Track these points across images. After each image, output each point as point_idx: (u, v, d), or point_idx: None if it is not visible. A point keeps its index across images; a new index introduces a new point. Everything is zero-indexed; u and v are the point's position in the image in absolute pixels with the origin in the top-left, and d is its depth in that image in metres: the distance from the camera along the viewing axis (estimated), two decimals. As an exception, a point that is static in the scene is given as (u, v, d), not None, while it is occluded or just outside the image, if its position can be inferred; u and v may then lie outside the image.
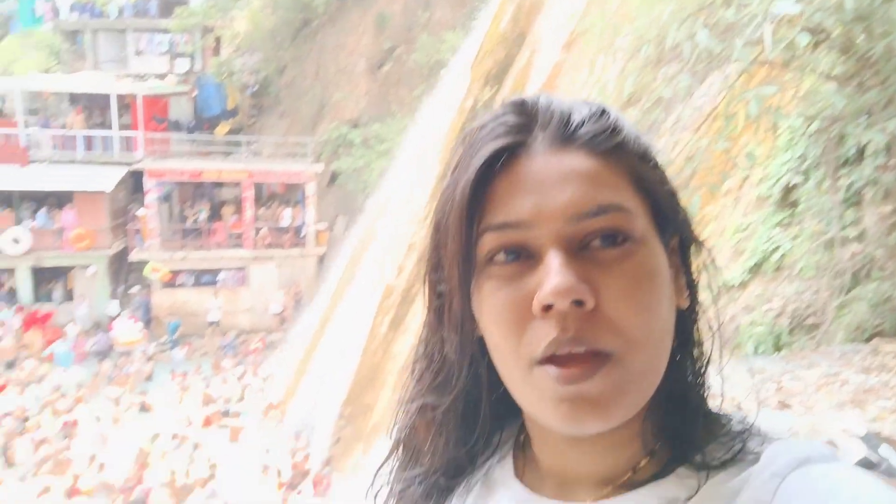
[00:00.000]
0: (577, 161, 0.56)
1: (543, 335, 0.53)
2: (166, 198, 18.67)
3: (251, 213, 18.38)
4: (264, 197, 19.32)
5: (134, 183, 18.89)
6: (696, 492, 0.55)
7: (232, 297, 18.01)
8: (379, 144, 19.43)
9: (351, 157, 19.26)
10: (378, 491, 0.70)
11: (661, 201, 0.59)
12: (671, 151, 5.55)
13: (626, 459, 0.58)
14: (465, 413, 0.65)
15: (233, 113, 21.84)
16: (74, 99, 20.21)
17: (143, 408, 13.08)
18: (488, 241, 0.56)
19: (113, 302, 17.66)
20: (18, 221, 17.43)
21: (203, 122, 21.40)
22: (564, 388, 0.52)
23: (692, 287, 0.62)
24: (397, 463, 0.70)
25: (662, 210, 0.59)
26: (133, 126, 19.12)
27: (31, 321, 16.43)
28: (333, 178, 19.81)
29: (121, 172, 18.15)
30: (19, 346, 16.09)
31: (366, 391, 11.13)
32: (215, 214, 18.90)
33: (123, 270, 18.66)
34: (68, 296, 17.67)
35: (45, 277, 17.77)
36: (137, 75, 21.55)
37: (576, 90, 7.73)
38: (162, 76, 21.77)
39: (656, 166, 0.60)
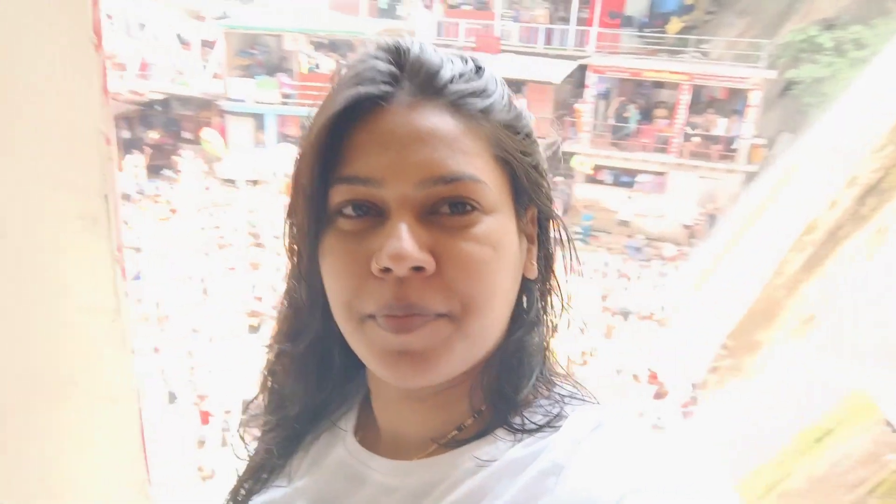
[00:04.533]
0: (437, 121, 0.54)
1: (378, 296, 0.52)
2: (604, 94, 19.14)
3: (683, 117, 17.57)
4: (702, 102, 18.15)
5: (581, 77, 19.81)
6: (503, 455, 0.55)
7: (646, 201, 17.93)
8: (856, 50, 16.16)
9: (815, 65, 16.50)
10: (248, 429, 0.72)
11: (520, 173, 0.58)
12: None
13: (454, 419, 0.59)
14: (319, 362, 0.65)
15: (689, 8, 20.66)
16: (545, -7, 21.76)
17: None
18: (338, 193, 0.54)
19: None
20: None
21: (657, 18, 20.83)
22: (394, 337, 0.52)
23: (548, 259, 0.63)
24: (264, 403, 0.70)
25: (521, 182, 0.58)
26: (588, 21, 19.78)
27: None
28: (787, 87, 17.34)
29: (571, 66, 19.16)
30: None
31: (758, 328, 10.24)
32: (647, 115, 18.68)
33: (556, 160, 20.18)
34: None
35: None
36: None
37: None
38: (627, -31, 21.70)
39: (524, 137, 0.58)
